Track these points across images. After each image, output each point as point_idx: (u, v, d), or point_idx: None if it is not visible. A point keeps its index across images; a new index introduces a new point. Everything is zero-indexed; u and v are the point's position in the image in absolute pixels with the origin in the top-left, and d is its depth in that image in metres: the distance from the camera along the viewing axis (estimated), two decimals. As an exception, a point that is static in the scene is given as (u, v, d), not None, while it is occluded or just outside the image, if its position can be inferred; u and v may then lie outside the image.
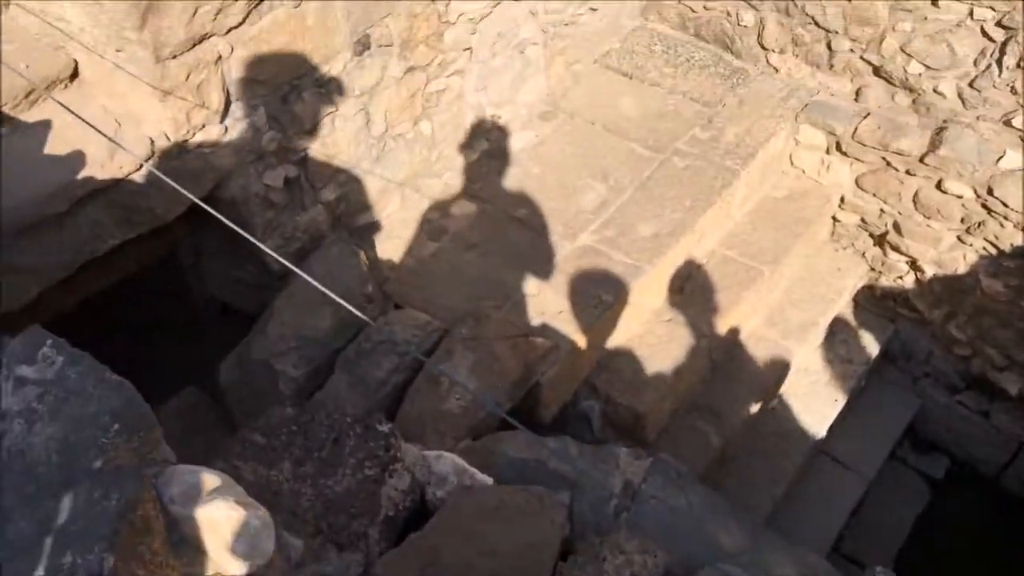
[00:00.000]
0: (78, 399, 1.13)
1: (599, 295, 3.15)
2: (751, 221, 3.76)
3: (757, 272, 3.52)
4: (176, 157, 2.62)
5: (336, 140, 3.08)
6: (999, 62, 3.22)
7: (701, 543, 2.15)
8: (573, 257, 3.28)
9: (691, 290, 3.49)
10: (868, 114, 3.63)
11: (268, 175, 2.93)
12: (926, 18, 3.31)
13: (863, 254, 4.01)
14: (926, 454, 4.31)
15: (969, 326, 3.84)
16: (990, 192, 3.37)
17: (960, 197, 3.44)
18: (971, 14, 3.19)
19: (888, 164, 3.60)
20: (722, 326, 3.42)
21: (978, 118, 3.37)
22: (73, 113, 2.30)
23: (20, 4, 2.67)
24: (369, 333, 2.88)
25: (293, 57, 2.75)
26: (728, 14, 3.96)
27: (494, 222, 3.45)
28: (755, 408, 3.51)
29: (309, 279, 2.39)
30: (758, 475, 3.55)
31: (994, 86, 3.29)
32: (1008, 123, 3.31)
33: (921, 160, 3.47)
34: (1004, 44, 3.19)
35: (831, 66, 3.73)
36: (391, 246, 3.39)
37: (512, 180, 3.61)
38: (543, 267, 3.26)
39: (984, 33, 3.20)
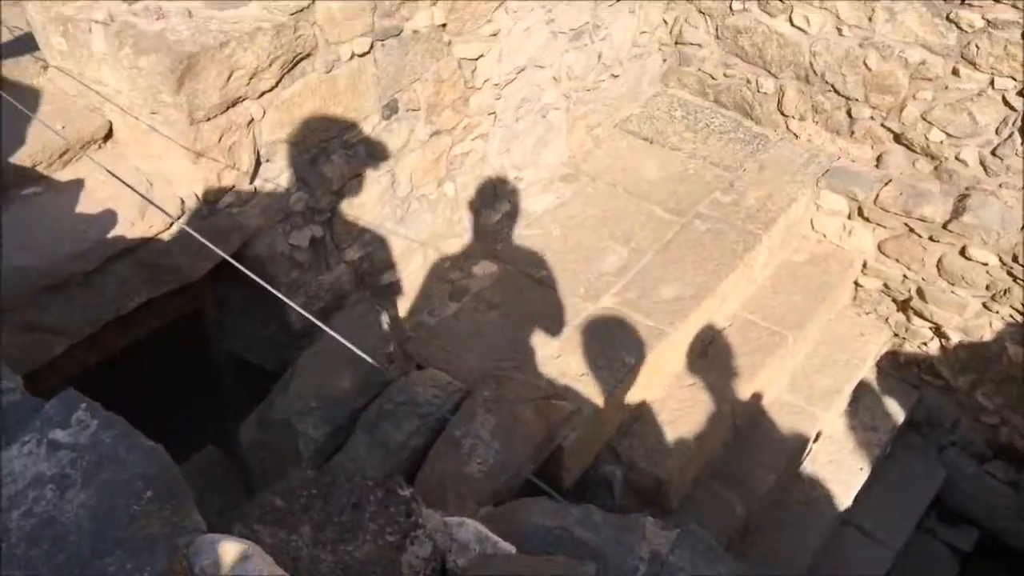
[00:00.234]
0: (111, 465, 1.12)
1: (621, 358, 3.13)
2: (773, 285, 3.75)
3: (780, 337, 3.49)
4: (205, 216, 2.65)
5: (362, 201, 3.11)
6: (1021, 131, 3.24)
7: (730, 618, 2.08)
8: (595, 319, 3.27)
9: (713, 354, 3.46)
10: (890, 180, 3.64)
11: (294, 235, 2.96)
12: (947, 87, 3.35)
13: (886, 319, 3.98)
14: (954, 526, 4.20)
15: (996, 394, 3.78)
16: (1015, 259, 3.35)
17: (985, 264, 3.42)
18: (992, 83, 3.22)
19: (911, 230, 3.59)
20: (745, 391, 3.37)
21: (1001, 185, 3.38)
22: (112, 174, 2.34)
23: (59, 67, 2.75)
24: (391, 394, 2.86)
25: (323, 120, 2.80)
26: (748, 81, 4.02)
27: (515, 283, 3.46)
28: (779, 476, 3.44)
29: (336, 336, 2.38)
30: (783, 546, 3.46)
31: (1016, 154, 3.30)
32: (1032, 191, 3.32)
33: (944, 227, 3.46)
34: (1025, 113, 3.22)
35: (851, 133, 3.76)
36: (413, 305, 3.40)
37: (533, 241, 3.63)
38: (565, 328, 3.25)
39: (1005, 102, 3.23)
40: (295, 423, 2.80)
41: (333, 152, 2.91)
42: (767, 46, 3.84)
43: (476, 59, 3.25)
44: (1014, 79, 3.17)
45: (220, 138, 2.55)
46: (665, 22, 4.16)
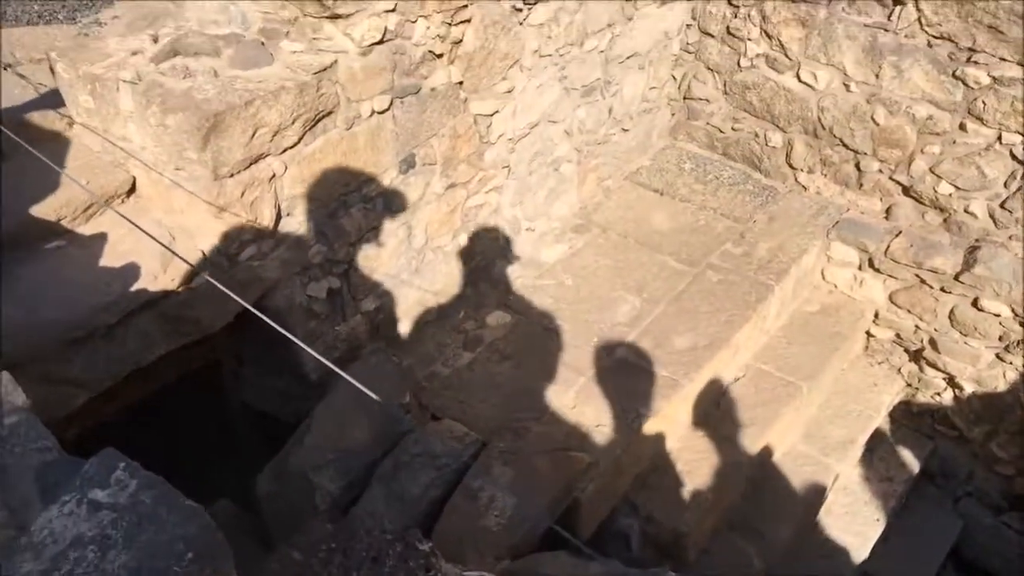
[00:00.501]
0: (152, 526, 1.13)
1: (636, 408, 3.13)
2: (786, 336, 3.76)
3: (795, 388, 3.49)
4: (226, 269, 2.68)
5: (379, 253, 3.15)
6: (1030, 184, 3.29)
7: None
8: (609, 369, 3.28)
9: (728, 404, 3.46)
10: (900, 232, 3.68)
11: (312, 286, 2.99)
12: (954, 141, 3.40)
13: (899, 369, 3.98)
14: (972, 578, 4.15)
15: (1011, 445, 3.76)
16: (1027, 311, 3.38)
17: (998, 316, 3.44)
18: (999, 138, 3.28)
19: (922, 281, 3.62)
20: (760, 442, 3.36)
21: (1010, 238, 3.41)
22: (139, 228, 2.38)
23: (85, 123, 2.82)
24: (407, 445, 2.86)
25: (343, 175, 2.85)
26: (756, 135, 4.08)
27: (529, 333, 3.47)
28: (796, 527, 3.41)
29: (356, 383, 2.39)
30: (801, 600, 3.42)
31: (1025, 207, 3.34)
32: (1042, 243, 3.35)
33: (956, 278, 3.49)
34: (1033, 167, 3.26)
35: (860, 185, 3.81)
36: (427, 355, 3.41)
37: (546, 291, 3.65)
38: (579, 379, 3.25)
39: (1013, 156, 3.28)
40: (311, 476, 2.80)
41: (352, 205, 2.96)
42: (775, 101, 3.91)
43: (491, 115, 3.32)
44: (1021, 134, 3.22)
45: (243, 193, 2.60)
46: (674, 78, 4.25)
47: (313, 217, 2.86)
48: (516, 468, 2.76)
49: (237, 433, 3.66)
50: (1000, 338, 3.52)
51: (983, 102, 3.28)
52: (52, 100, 3.02)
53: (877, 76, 3.53)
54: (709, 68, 4.10)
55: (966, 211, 3.50)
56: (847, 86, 3.65)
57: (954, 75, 3.32)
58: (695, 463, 3.26)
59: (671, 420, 3.22)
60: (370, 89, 2.78)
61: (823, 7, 3.57)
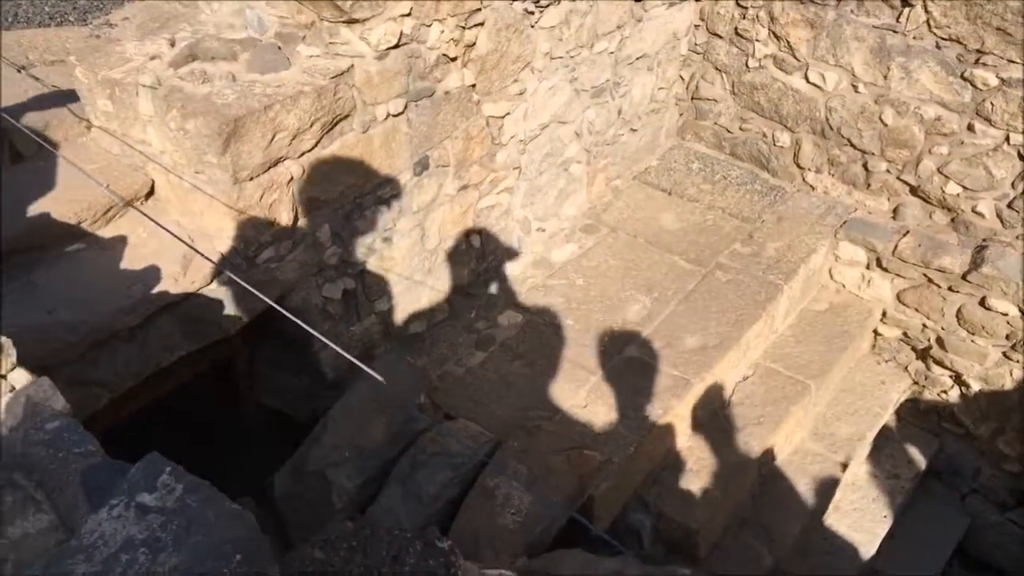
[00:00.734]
0: (200, 528, 1.16)
1: (648, 407, 3.17)
2: (794, 334, 3.79)
3: (803, 386, 3.53)
4: (245, 271, 2.71)
5: (392, 254, 3.19)
6: (1038, 184, 3.32)
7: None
8: (621, 368, 3.31)
9: (738, 403, 3.49)
10: (907, 232, 3.71)
11: (327, 288, 3.02)
12: (962, 142, 3.43)
13: (905, 368, 4.02)
14: (977, 573, 4.19)
15: (1018, 442, 3.80)
16: (1034, 310, 3.41)
17: (1005, 314, 3.47)
18: (1007, 139, 3.31)
19: (930, 280, 3.65)
20: (769, 440, 3.40)
21: (1018, 237, 3.44)
22: (165, 229, 2.41)
23: (103, 127, 2.85)
24: (423, 444, 2.89)
25: (358, 177, 2.88)
26: (764, 135, 4.11)
27: (540, 332, 3.51)
28: (805, 524, 3.45)
29: (379, 377, 2.40)
30: (810, 596, 3.46)
31: (1033, 207, 3.37)
32: (1049, 243, 3.38)
33: (963, 277, 3.52)
34: (1041, 167, 3.29)
35: (868, 185, 3.84)
36: (440, 355, 3.44)
37: (557, 291, 3.69)
38: (590, 378, 3.29)
39: (1021, 157, 3.31)
40: (328, 474, 2.83)
41: (367, 207, 2.99)
42: (783, 102, 3.94)
43: (503, 117, 3.35)
44: (1028, 135, 3.26)
45: (261, 196, 2.63)
46: (682, 78, 4.28)
47: (329, 219, 2.89)
48: (531, 466, 2.80)
49: (250, 432, 3.69)
50: (1007, 336, 3.55)
51: (991, 103, 3.30)
52: (66, 103, 3.06)
53: (885, 77, 3.56)
54: (717, 69, 4.13)
55: (973, 211, 3.53)
56: (855, 87, 3.67)
57: (962, 76, 3.35)
58: (705, 461, 3.30)
59: (682, 419, 3.26)
60: (386, 93, 2.81)
61: (832, 8, 3.60)
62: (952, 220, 3.63)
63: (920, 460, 4.02)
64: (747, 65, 4.00)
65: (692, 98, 4.31)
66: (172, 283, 2.60)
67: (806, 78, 3.81)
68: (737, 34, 3.97)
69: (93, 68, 2.69)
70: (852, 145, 3.79)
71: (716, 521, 3.20)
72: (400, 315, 3.37)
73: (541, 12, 3.24)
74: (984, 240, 3.53)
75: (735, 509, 3.34)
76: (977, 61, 3.30)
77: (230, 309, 2.73)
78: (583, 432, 3.07)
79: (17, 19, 4.40)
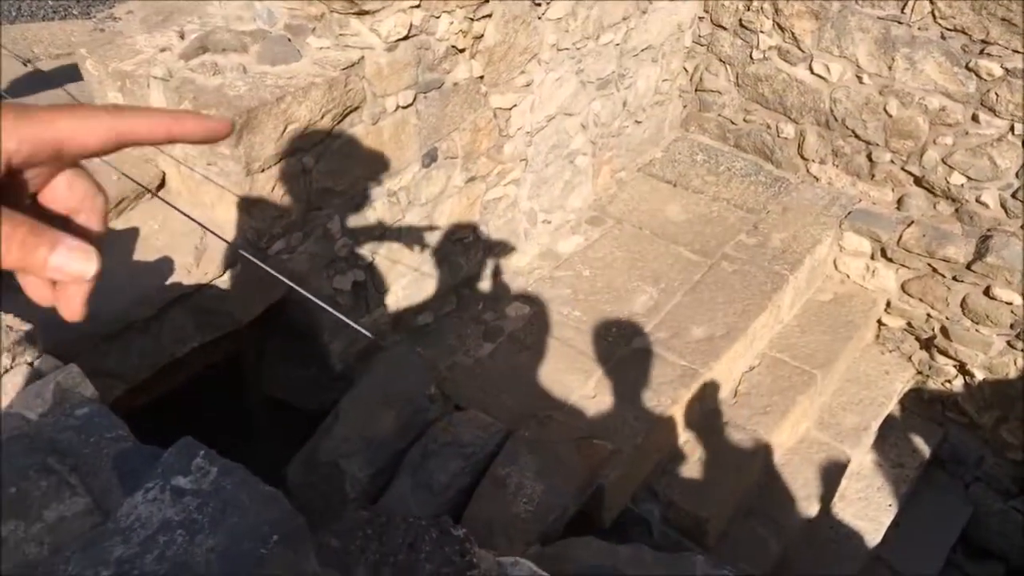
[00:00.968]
0: (236, 510, 1.18)
1: (656, 397, 3.19)
2: (800, 325, 3.82)
3: (810, 376, 3.55)
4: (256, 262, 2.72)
5: (401, 246, 3.20)
6: (1041, 174, 3.34)
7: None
8: (628, 359, 3.33)
9: (744, 393, 3.52)
10: (912, 222, 3.73)
11: (338, 279, 3.03)
12: (967, 132, 3.45)
13: (909, 357, 4.04)
14: (981, 561, 4.22)
15: (1021, 431, 3.83)
16: (1039, 299, 3.43)
17: (1009, 304, 3.49)
18: (1012, 129, 3.33)
19: (934, 270, 3.67)
20: (776, 429, 3.42)
21: (1022, 227, 3.47)
22: (185, 214, 2.41)
23: (113, 119, 2.85)
24: (434, 434, 2.91)
25: (368, 169, 2.89)
26: (768, 126, 4.13)
27: (548, 324, 3.52)
28: (811, 513, 3.47)
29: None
30: (817, 584, 3.49)
31: (1037, 196, 3.40)
32: (1053, 232, 3.41)
33: (968, 267, 3.54)
34: (1045, 157, 3.32)
35: (872, 176, 3.86)
36: (448, 346, 3.46)
37: (564, 283, 3.70)
38: (598, 369, 3.31)
39: (1026, 147, 3.33)
40: (341, 464, 2.85)
41: (377, 199, 3.00)
42: (787, 93, 3.95)
43: (510, 108, 3.36)
44: (1033, 125, 3.28)
45: (273, 187, 2.64)
46: (685, 70, 4.29)
47: (340, 211, 2.90)
48: (542, 456, 2.81)
49: (258, 424, 3.70)
50: (1011, 326, 3.58)
51: (996, 93, 3.32)
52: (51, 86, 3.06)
53: (890, 68, 3.58)
54: (721, 60, 4.14)
55: (978, 201, 3.55)
56: (860, 78, 3.69)
57: (967, 67, 3.37)
58: (713, 450, 3.32)
59: (690, 408, 3.28)
60: (395, 84, 2.82)
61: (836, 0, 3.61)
62: (956, 210, 3.65)
63: (924, 449, 4.04)
64: (751, 56, 4.01)
65: (696, 90, 4.32)
66: (185, 274, 2.61)
67: (810, 69, 3.82)
68: (741, 25, 3.98)
69: (104, 60, 2.69)
70: (856, 136, 3.81)
71: (724, 509, 3.22)
72: (409, 306, 3.39)
73: (548, 4, 3.25)
74: (988, 230, 3.55)
75: (743, 498, 3.36)
76: (982, 51, 3.31)
77: (242, 301, 2.74)
78: (592, 422, 3.09)
79: (21, 13, 4.40)
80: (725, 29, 4.05)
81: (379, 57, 2.73)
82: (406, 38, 2.77)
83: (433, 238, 3.34)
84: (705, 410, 3.41)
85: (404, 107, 2.91)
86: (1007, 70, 3.25)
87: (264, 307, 2.80)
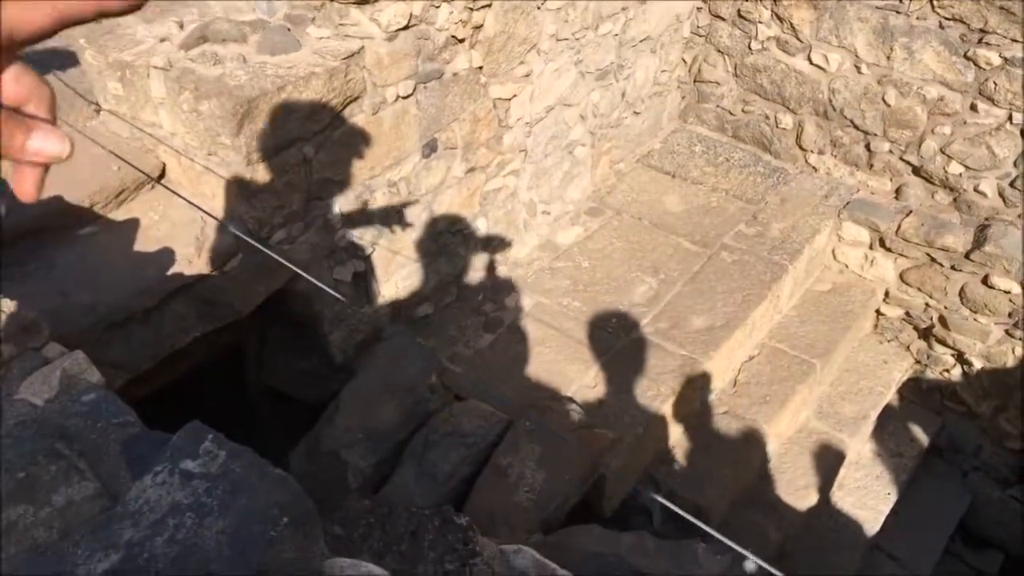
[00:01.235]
0: (245, 493, 1.18)
1: (656, 387, 3.20)
2: (799, 315, 3.83)
3: (809, 365, 3.56)
4: (256, 253, 2.72)
5: (401, 236, 3.20)
6: (1039, 163, 3.35)
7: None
8: (628, 349, 3.34)
9: (744, 383, 3.53)
10: (910, 211, 3.74)
11: (338, 270, 3.03)
12: (965, 122, 3.46)
13: (908, 347, 4.06)
14: (979, 550, 4.24)
15: (1020, 419, 3.84)
16: (1037, 287, 3.45)
17: (1007, 292, 3.51)
18: (1010, 118, 3.33)
19: (933, 260, 3.68)
20: (776, 419, 3.43)
21: (1020, 216, 3.48)
22: (189, 202, 2.42)
23: (112, 110, 2.85)
24: (436, 424, 2.91)
25: (368, 159, 2.89)
26: (766, 117, 4.13)
27: (548, 314, 3.53)
28: (811, 502, 3.49)
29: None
30: (817, 573, 3.49)
31: (1035, 186, 3.40)
32: (1050, 221, 3.42)
33: (967, 256, 3.55)
34: (1044, 146, 3.32)
35: (870, 166, 3.86)
36: (448, 337, 3.47)
37: (563, 274, 3.71)
38: (599, 359, 3.31)
39: (1023, 135, 3.34)
40: (343, 454, 2.85)
41: (376, 189, 3.00)
42: (786, 83, 3.96)
43: (510, 99, 3.36)
44: (1032, 114, 3.29)
45: (273, 177, 2.63)
46: (684, 61, 4.29)
47: (340, 201, 2.90)
48: (543, 445, 2.82)
49: (259, 415, 3.70)
50: (1009, 314, 3.59)
51: (994, 83, 3.33)
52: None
53: (888, 58, 3.58)
54: (720, 51, 4.14)
55: (976, 190, 3.56)
56: (858, 68, 3.69)
57: (966, 56, 3.37)
58: (713, 439, 3.33)
59: (690, 398, 3.28)
60: (395, 74, 2.82)
61: (835, -11, 3.62)
62: (954, 200, 3.66)
63: (923, 438, 4.06)
64: (750, 47, 4.01)
65: (695, 81, 4.32)
66: (186, 265, 2.61)
67: (809, 60, 3.83)
68: (740, 16, 3.98)
69: (103, 51, 2.68)
70: (855, 126, 3.82)
71: (724, 498, 3.23)
72: (409, 297, 3.39)
73: (547, -7, 3.24)
74: (986, 219, 3.56)
75: (743, 487, 3.37)
76: (980, 41, 3.32)
77: (243, 291, 2.74)
78: (593, 412, 3.09)
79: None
80: (723, 20, 4.05)
81: (379, 47, 2.73)
82: (406, 28, 2.76)
83: (433, 229, 3.34)
84: (705, 400, 3.42)
85: (404, 97, 2.90)
86: (1005, 59, 3.26)
87: (265, 297, 2.80)
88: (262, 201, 2.63)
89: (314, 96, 2.58)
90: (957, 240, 3.58)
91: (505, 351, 3.39)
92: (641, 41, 3.95)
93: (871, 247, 3.86)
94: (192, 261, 2.61)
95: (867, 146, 3.83)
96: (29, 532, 1.17)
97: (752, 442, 3.35)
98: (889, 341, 4.09)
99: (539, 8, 3.25)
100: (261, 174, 2.59)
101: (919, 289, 3.82)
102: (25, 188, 0.57)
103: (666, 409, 3.17)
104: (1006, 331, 3.66)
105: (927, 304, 3.84)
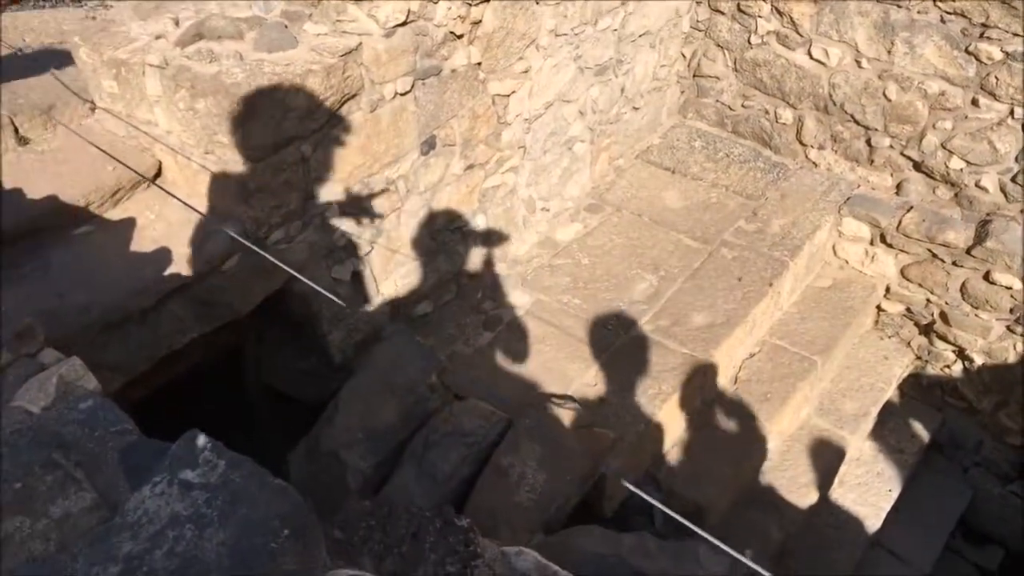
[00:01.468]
0: (245, 504, 1.16)
1: (657, 385, 3.18)
2: (799, 311, 3.81)
3: (810, 362, 3.55)
4: (254, 253, 2.69)
5: (400, 235, 3.18)
6: (1041, 158, 3.33)
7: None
8: (629, 347, 3.32)
9: (745, 380, 3.51)
10: (911, 207, 3.72)
11: (336, 269, 3.01)
12: (966, 117, 3.44)
13: (908, 343, 4.04)
14: (980, 546, 4.24)
15: (1020, 415, 3.84)
16: (1039, 283, 3.43)
17: (1009, 288, 3.49)
18: (1012, 113, 3.32)
19: (934, 256, 3.67)
20: (777, 416, 3.42)
21: (1021, 211, 3.46)
22: (185, 203, 2.39)
23: (108, 108, 2.82)
24: (436, 424, 2.90)
25: (366, 157, 2.87)
26: (766, 112, 4.11)
27: (547, 312, 3.51)
28: (812, 499, 3.48)
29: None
30: (817, 570, 3.49)
31: (1036, 181, 3.39)
32: (1052, 216, 3.40)
33: (968, 252, 3.54)
34: (1045, 141, 3.31)
35: (871, 161, 3.84)
36: (447, 336, 3.44)
37: (563, 271, 3.69)
38: (599, 357, 3.29)
39: (1026, 131, 3.32)
40: (342, 455, 2.83)
41: (375, 187, 2.98)
42: (786, 78, 3.93)
43: (508, 95, 3.33)
44: (1034, 109, 3.27)
45: (271, 176, 2.61)
46: (683, 56, 4.26)
47: (338, 200, 2.88)
48: (544, 445, 2.80)
49: (258, 415, 3.68)
50: (1011, 310, 3.58)
51: (996, 77, 3.31)
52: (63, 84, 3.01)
53: (889, 52, 3.56)
54: (719, 45, 4.12)
55: (977, 185, 3.54)
56: (859, 62, 3.67)
57: (967, 51, 3.35)
58: (714, 438, 3.32)
59: (691, 396, 3.27)
60: (393, 71, 2.79)
61: (835, -16, 3.59)
62: (955, 195, 3.64)
63: (923, 434, 4.05)
64: (749, 42, 3.99)
65: (694, 75, 4.30)
66: (184, 265, 2.58)
67: (809, 54, 3.80)
68: (739, 10, 3.96)
69: (98, 48, 2.65)
70: (855, 121, 3.80)
71: (725, 497, 3.22)
72: (408, 296, 3.37)
73: (546, -11, 3.22)
74: (988, 214, 3.55)
75: (744, 485, 3.36)
76: (982, 35, 3.30)
77: (241, 292, 2.71)
78: (593, 411, 3.08)
79: (11, 1, 4.34)
80: (723, 14, 4.02)
81: (377, 43, 2.70)
82: (404, 24, 2.74)
83: (432, 226, 3.31)
84: (706, 398, 3.41)
85: (402, 94, 2.88)
86: (1007, 53, 3.24)
87: (263, 297, 2.77)
88: (260, 200, 2.61)
89: (312, 94, 2.55)
90: (958, 236, 3.56)
91: (505, 349, 3.37)
92: (640, 36, 3.92)
93: (872, 243, 3.85)
94: (189, 261, 2.58)
95: (868, 141, 3.81)
96: (26, 544, 1.15)
97: (753, 440, 3.34)
98: (890, 337, 4.08)
99: (538, 3, 3.22)
100: (258, 173, 2.57)
101: (920, 285, 3.81)
102: None
103: (667, 408, 3.15)
104: (1007, 327, 3.65)
105: (928, 300, 3.82)
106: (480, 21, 3.02)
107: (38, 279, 2.44)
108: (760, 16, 3.90)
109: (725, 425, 3.36)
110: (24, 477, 1.21)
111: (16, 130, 2.85)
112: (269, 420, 3.65)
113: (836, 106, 3.83)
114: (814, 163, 4.07)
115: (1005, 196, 3.49)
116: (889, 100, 3.64)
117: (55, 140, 2.84)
